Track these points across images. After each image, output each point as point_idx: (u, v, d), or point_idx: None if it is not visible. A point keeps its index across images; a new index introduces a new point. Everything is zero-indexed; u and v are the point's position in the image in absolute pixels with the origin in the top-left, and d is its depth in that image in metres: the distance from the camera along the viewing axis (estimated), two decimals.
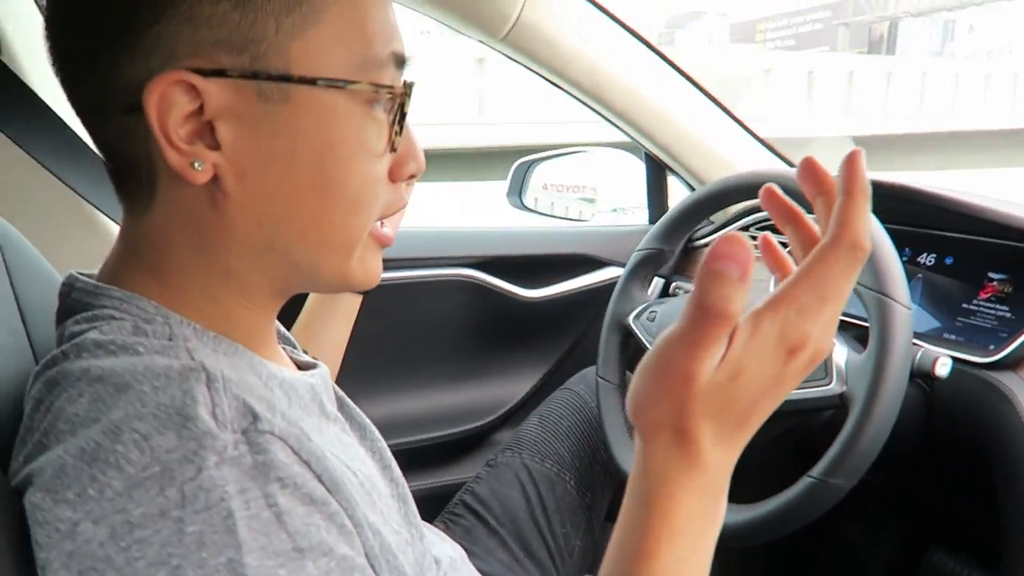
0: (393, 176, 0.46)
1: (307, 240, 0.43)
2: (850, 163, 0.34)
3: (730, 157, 1.15)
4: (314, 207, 0.42)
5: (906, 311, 0.69)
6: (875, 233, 0.72)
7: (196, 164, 0.39)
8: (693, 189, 1.18)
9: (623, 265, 1.04)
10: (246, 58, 0.39)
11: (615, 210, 1.50)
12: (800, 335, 0.32)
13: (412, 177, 0.48)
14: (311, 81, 0.40)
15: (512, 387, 1.23)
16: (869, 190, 0.33)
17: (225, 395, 0.35)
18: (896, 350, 0.67)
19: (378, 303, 0.95)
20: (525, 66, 1.03)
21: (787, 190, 0.83)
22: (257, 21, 0.38)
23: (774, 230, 0.97)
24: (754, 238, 1.07)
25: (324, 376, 0.50)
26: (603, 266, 1.26)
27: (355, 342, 0.90)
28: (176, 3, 0.38)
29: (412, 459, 1.15)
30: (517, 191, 1.61)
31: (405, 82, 0.45)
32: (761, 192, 0.42)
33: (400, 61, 0.44)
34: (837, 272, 0.32)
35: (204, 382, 0.35)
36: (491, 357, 1.23)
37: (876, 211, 0.78)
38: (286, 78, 0.39)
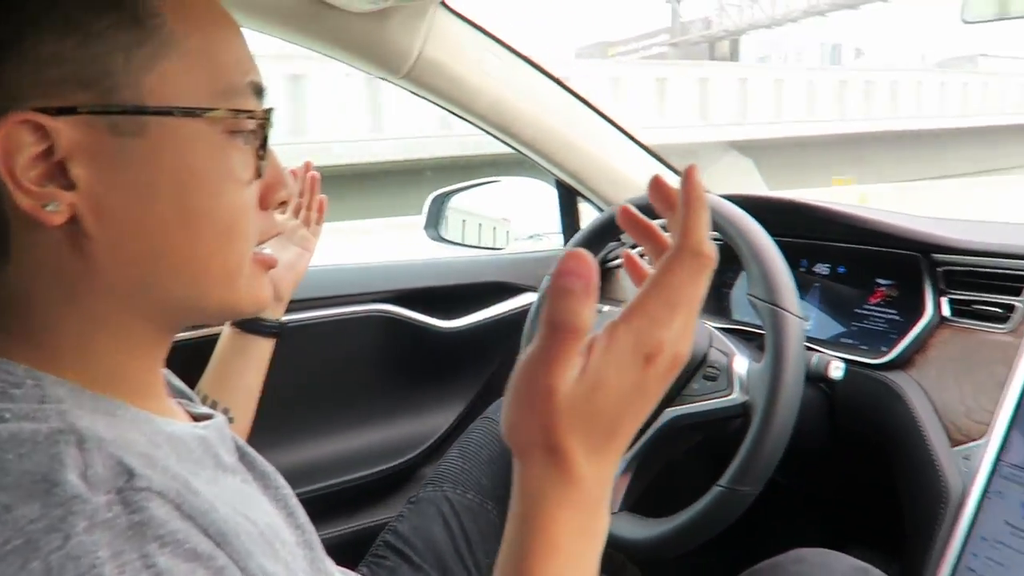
0: (263, 203, 0.47)
1: (183, 275, 0.42)
2: (687, 178, 0.36)
3: (637, 179, 1.19)
4: (184, 240, 0.42)
5: (797, 320, 0.73)
6: (765, 247, 0.76)
7: (50, 206, 0.38)
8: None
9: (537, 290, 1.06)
10: (95, 93, 0.38)
11: (531, 237, 1.52)
12: (655, 342, 0.33)
13: (283, 204, 0.49)
14: (166, 112, 0.40)
15: (435, 421, 1.23)
16: (706, 201, 0.35)
17: (99, 455, 0.33)
18: (789, 357, 0.71)
19: (292, 346, 0.93)
20: (431, 101, 1.05)
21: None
22: (104, 56, 0.38)
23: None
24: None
25: (220, 427, 0.49)
26: (519, 292, 1.28)
27: (270, 387, 0.88)
28: (16, 43, 0.37)
29: (336, 503, 1.12)
30: (434, 223, 1.62)
31: (265, 109, 0.45)
32: (617, 212, 0.44)
33: (258, 90, 0.45)
34: (683, 279, 0.34)
35: (75, 444, 0.33)
36: (412, 392, 1.22)
37: (774, 226, 0.83)
38: (140, 111, 0.39)
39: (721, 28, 27.18)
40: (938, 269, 0.86)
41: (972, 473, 0.73)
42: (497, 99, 1.04)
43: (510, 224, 1.48)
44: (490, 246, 1.54)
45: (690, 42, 28.13)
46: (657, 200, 0.40)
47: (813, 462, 0.99)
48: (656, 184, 0.40)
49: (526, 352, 0.34)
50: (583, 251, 0.32)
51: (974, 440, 0.74)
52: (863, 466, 0.93)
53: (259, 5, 0.85)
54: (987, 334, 0.78)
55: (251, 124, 0.44)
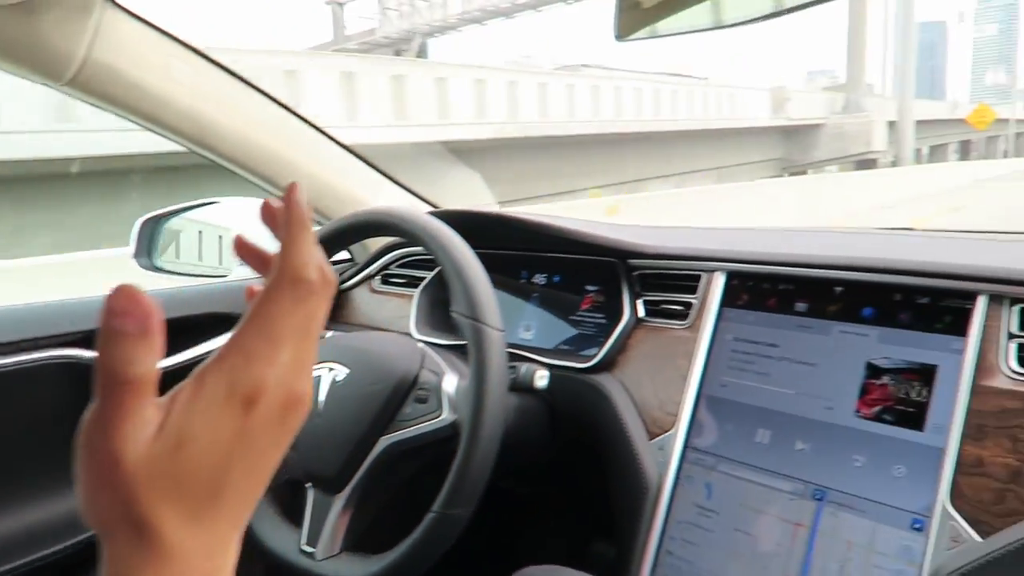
0: None
1: None
2: (287, 196, 0.32)
3: (361, 195, 1.15)
4: None
5: (498, 333, 0.73)
6: (466, 263, 0.76)
7: None
8: None
9: None
10: None
11: None
12: (253, 383, 0.29)
13: None
14: None
15: None
16: (308, 222, 0.32)
17: None
18: (490, 371, 0.70)
19: None
20: (110, 111, 0.92)
21: (390, 227, 0.85)
22: None
23: (418, 266, 0.98)
24: (393, 277, 1.04)
25: None
26: None
27: None
28: None
29: None
30: (146, 251, 1.45)
31: None
32: (233, 242, 0.39)
33: None
34: (284, 309, 0.30)
35: None
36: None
37: (489, 240, 0.84)
38: None
39: (383, 34, 27.19)
40: (633, 273, 0.92)
41: (666, 462, 0.78)
42: (188, 108, 0.94)
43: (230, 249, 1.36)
44: (212, 274, 1.41)
45: (370, 46, 27.69)
46: (266, 224, 0.36)
47: (545, 469, 1.01)
48: (265, 208, 0.35)
49: (86, 412, 0.27)
50: (133, 285, 0.26)
51: (667, 431, 0.80)
52: (583, 465, 0.97)
53: None
54: (672, 331, 0.84)
55: None
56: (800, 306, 0.75)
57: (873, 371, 0.68)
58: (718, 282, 0.83)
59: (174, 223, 1.45)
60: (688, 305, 0.85)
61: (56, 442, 1.03)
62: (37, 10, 0.79)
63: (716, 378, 0.79)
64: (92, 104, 0.90)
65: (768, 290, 0.79)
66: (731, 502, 0.73)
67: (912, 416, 0.64)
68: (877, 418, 0.66)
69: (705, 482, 0.75)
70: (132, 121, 0.94)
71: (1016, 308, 0.64)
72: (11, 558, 0.92)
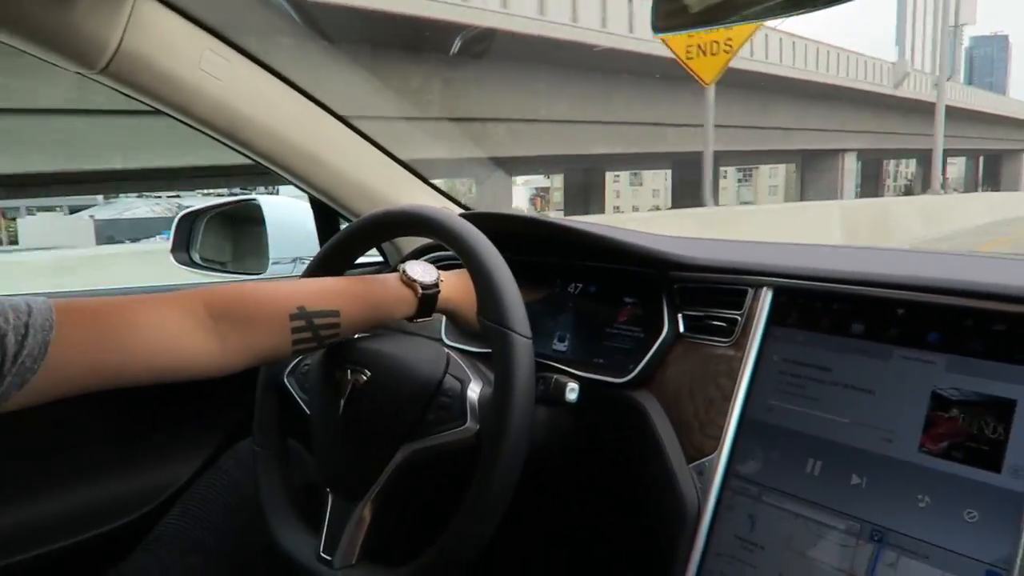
0: None
1: None
2: None
3: (392, 195, 1.12)
4: None
5: (525, 340, 0.68)
6: (494, 266, 0.71)
7: None
8: None
9: None
10: None
11: (295, 260, 1.40)
12: None
13: None
14: None
15: (166, 476, 1.06)
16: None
17: None
18: (516, 380, 0.66)
19: None
20: (142, 101, 0.91)
21: (419, 225, 0.81)
22: None
23: (451, 270, 0.94)
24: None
25: None
26: None
27: None
28: None
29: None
30: (184, 246, 1.45)
31: None
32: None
33: None
34: None
35: None
36: (135, 444, 1.05)
37: (523, 247, 0.80)
38: None
39: None
40: (675, 286, 0.86)
41: (706, 488, 0.73)
42: (221, 102, 0.92)
43: (269, 247, 1.35)
44: (248, 272, 1.40)
45: None
46: None
47: (565, 485, 0.96)
48: None
49: None
50: None
51: (707, 455, 0.74)
52: (614, 486, 0.91)
53: None
54: (715, 348, 0.79)
55: None
56: (857, 328, 0.69)
57: (940, 403, 0.61)
58: (765, 298, 0.77)
59: (212, 219, 1.44)
60: (732, 321, 0.79)
61: (81, 430, 1.03)
62: None
63: (762, 401, 0.73)
64: (124, 94, 0.89)
65: (821, 309, 0.73)
66: (777, 536, 0.67)
67: (986, 455, 0.57)
68: (945, 455, 0.59)
69: (748, 512, 0.69)
70: (163, 112, 0.92)
71: None
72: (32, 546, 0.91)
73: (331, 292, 0.76)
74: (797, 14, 0.59)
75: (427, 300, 0.83)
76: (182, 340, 0.66)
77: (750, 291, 0.78)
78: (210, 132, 0.95)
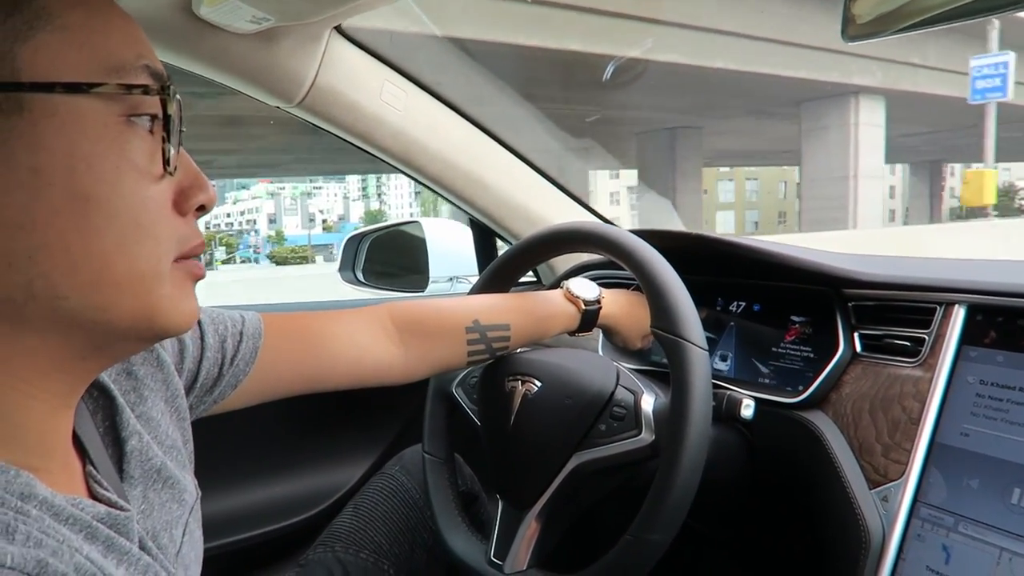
0: (179, 206, 0.42)
1: (79, 277, 0.37)
2: None
3: (550, 217, 1.15)
4: (78, 234, 0.37)
5: (701, 351, 0.68)
6: (668, 279, 0.72)
7: None
8: None
9: None
10: None
11: (451, 279, 1.46)
12: None
13: (202, 209, 0.44)
14: (47, 87, 0.36)
15: (339, 477, 1.13)
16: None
17: None
18: (695, 390, 0.66)
19: None
20: (329, 131, 0.99)
21: (591, 241, 0.83)
22: None
23: (606, 288, 0.96)
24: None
25: (122, 520, 0.43)
26: None
27: None
28: None
29: (233, 561, 1.02)
30: (350, 266, 1.55)
31: (165, 87, 0.40)
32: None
33: (157, 76, 0.40)
34: None
35: None
36: (315, 446, 1.13)
37: (685, 265, 0.80)
38: (15, 85, 0.35)
39: None
40: (849, 304, 0.83)
41: (891, 516, 0.69)
42: (399, 130, 0.99)
43: (429, 266, 1.42)
44: (408, 289, 1.48)
45: None
46: None
47: (734, 506, 0.94)
48: None
49: None
50: None
51: (892, 480, 0.70)
52: (785, 509, 0.88)
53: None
54: (899, 368, 0.75)
55: (150, 107, 0.40)
56: None
57: None
58: (958, 316, 0.72)
59: (376, 240, 1.54)
60: (918, 340, 0.75)
61: (267, 434, 1.12)
62: (275, 39, 0.87)
63: (955, 425, 0.68)
64: (313, 124, 0.97)
65: None
66: (978, 571, 0.62)
67: None
68: None
69: (942, 544, 0.65)
70: (347, 140, 1.01)
71: None
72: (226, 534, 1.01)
73: (502, 307, 0.80)
74: (992, 14, 0.56)
75: (589, 315, 0.86)
76: (372, 349, 0.72)
77: (939, 308, 0.74)
78: (388, 158, 1.02)
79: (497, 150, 1.11)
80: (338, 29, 0.92)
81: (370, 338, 0.73)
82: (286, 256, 62.39)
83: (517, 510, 0.78)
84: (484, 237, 1.25)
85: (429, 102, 1.03)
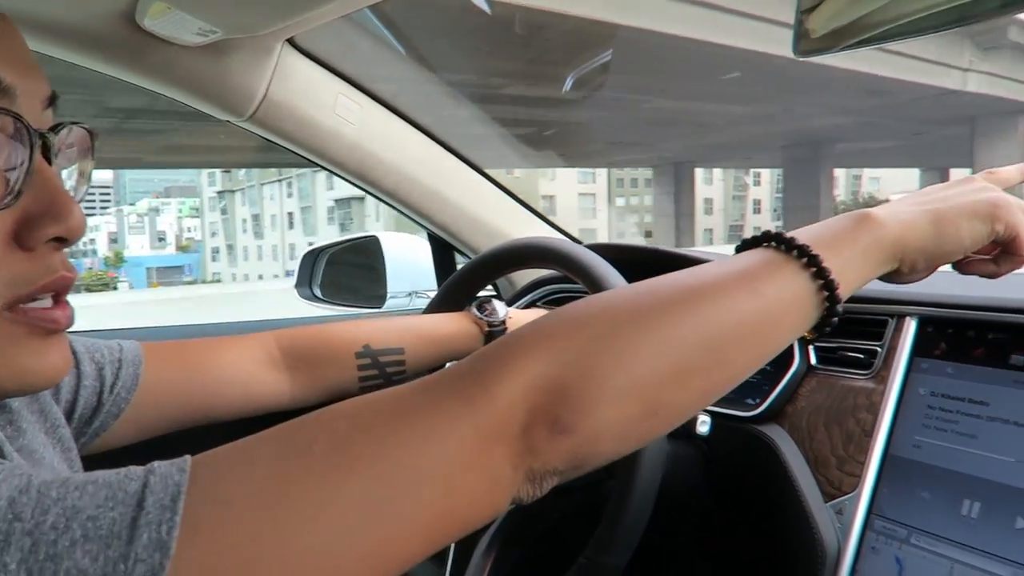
0: (22, 239, 0.36)
1: None
2: None
3: (513, 233, 1.15)
4: None
5: None
6: None
7: None
8: None
9: None
10: None
11: (410, 294, 1.45)
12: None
13: (61, 241, 0.38)
14: None
15: None
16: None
17: None
18: None
19: None
20: (282, 145, 0.97)
21: (546, 257, 0.82)
22: None
23: (561, 303, 0.95)
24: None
25: None
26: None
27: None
28: None
29: None
30: (307, 282, 1.52)
31: (7, 109, 0.36)
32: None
33: (7, 91, 0.36)
34: None
35: None
36: None
37: (643, 279, 0.79)
38: None
39: None
40: None
41: (846, 529, 0.69)
42: (354, 144, 0.97)
43: (386, 282, 1.40)
44: (366, 305, 1.46)
45: None
46: None
47: (694, 521, 0.94)
48: None
49: None
50: None
51: (846, 493, 0.70)
52: (745, 523, 0.88)
53: (72, 33, 0.77)
54: (852, 381, 0.75)
55: None
56: (1017, 359, 0.65)
57: None
58: (909, 328, 0.73)
59: (334, 255, 1.52)
60: (872, 353, 0.75)
61: None
62: (224, 51, 0.85)
63: (907, 437, 0.69)
64: (265, 138, 0.95)
65: (973, 339, 0.68)
66: None
67: None
68: None
69: (895, 556, 0.65)
70: (301, 156, 0.99)
71: None
72: None
73: (396, 331, 0.79)
74: (954, 27, 0.57)
75: (493, 337, 0.86)
76: (260, 376, 0.72)
77: (891, 321, 0.75)
78: (343, 173, 1.01)
79: (455, 164, 1.10)
80: (291, 42, 0.90)
81: (256, 365, 0.72)
82: (89, 282, 58.45)
83: (471, 536, 0.76)
84: (443, 252, 1.24)
85: (385, 115, 1.02)
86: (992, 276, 0.54)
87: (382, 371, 0.76)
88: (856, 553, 0.68)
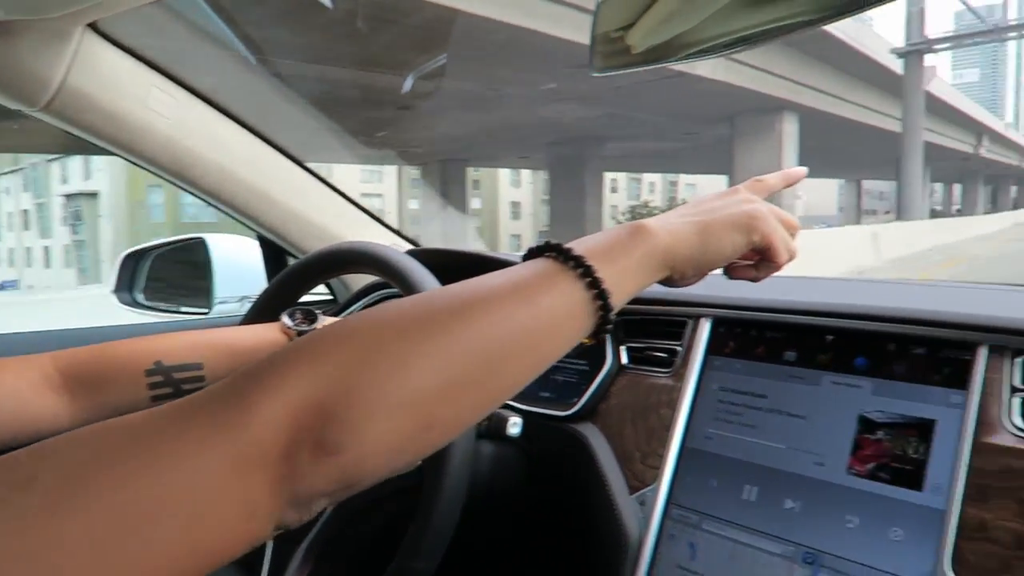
0: None
1: None
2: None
3: (346, 235, 1.13)
4: None
5: None
6: None
7: None
8: None
9: None
10: None
11: (242, 299, 1.38)
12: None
13: None
14: None
15: None
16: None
17: None
18: None
19: None
20: (87, 139, 0.90)
21: (363, 262, 0.81)
22: None
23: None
24: None
25: None
26: None
27: None
28: None
29: None
30: (127, 287, 1.42)
31: None
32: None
33: None
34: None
35: None
36: None
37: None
38: None
39: None
40: (619, 318, 0.88)
41: (647, 519, 0.73)
42: (169, 140, 0.92)
43: (214, 286, 1.33)
44: (193, 311, 1.38)
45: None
46: None
47: (516, 522, 0.96)
48: None
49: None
50: None
51: (648, 485, 0.75)
52: (562, 519, 0.91)
53: None
54: (656, 379, 0.80)
55: None
56: (789, 355, 0.71)
57: (867, 425, 0.63)
58: (703, 329, 0.79)
59: (160, 258, 1.43)
60: (673, 352, 0.81)
61: None
62: (14, 33, 0.78)
63: (701, 430, 0.74)
64: (67, 131, 0.88)
65: (756, 338, 0.75)
66: (717, 564, 0.67)
67: (909, 475, 0.59)
68: (871, 476, 0.61)
69: (689, 541, 0.70)
70: (109, 151, 0.92)
71: (1020, 360, 0.60)
72: None
73: (193, 345, 0.75)
74: (746, 48, 0.61)
75: None
76: (33, 400, 0.66)
77: (690, 322, 0.80)
78: (158, 170, 0.95)
79: (284, 163, 1.07)
80: (94, 28, 0.84)
81: (29, 388, 0.66)
82: None
83: (287, 545, 0.74)
84: (275, 255, 1.20)
85: (204, 110, 0.97)
86: (754, 280, 0.59)
87: (177, 389, 0.71)
88: (656, 541, 0.72)
